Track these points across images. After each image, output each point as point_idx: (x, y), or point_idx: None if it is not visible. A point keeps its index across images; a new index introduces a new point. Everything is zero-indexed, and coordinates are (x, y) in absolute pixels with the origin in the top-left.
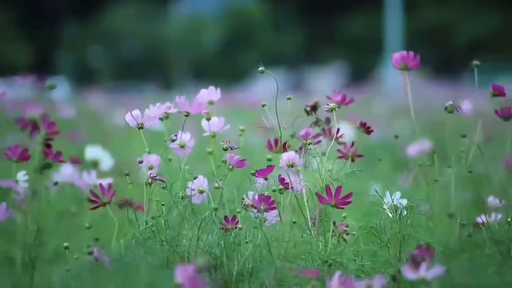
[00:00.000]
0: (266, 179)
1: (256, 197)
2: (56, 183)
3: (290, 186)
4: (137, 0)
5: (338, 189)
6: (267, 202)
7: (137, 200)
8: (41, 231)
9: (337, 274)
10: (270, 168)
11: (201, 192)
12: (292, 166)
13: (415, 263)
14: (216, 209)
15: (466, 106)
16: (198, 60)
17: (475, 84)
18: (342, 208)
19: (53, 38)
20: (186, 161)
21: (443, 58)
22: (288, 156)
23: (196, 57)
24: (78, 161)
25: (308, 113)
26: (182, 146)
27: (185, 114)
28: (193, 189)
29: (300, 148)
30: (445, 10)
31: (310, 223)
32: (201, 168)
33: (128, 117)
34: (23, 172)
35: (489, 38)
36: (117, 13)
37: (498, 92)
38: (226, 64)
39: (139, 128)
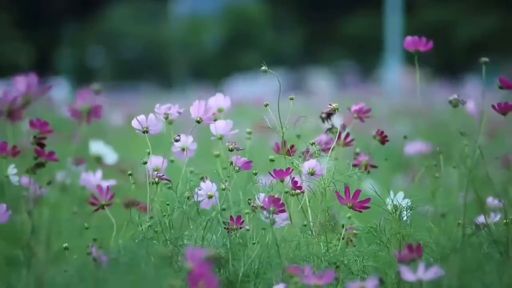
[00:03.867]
0: (282, 181)
1: (267, 198)
2: (49, 182)
3: (303, 191)
4: (137, 0)
5: (357, 192)
6: (277, 204)
7: (140, 200)
8: (43, 231)
9: (307, 267)
10: (288, 170)
11: (210, 197)
12: (313, 173)
13: (404, 263)
14: (224, 209)
15: (470, 105)
16: (198, 60)
17: (483, 81)
18: (360, 211)
19: (53, 38)
20: (188, 161)
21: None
22: (309, 163)
23: (196, 57)
24: (82, 161)
25: (323, 120)
26: (184, 150)
27: (197, 120)
28: (202, 194)
29: (306, 151)
30: (445, 10)
31: (312, 224)
32: (204, 168)
33: (134, 122)
34: (12, 165)
35: (489, 38)
36: (117, 13)
37: (505, 85)
38: (226, 64)
39: (143, 133)
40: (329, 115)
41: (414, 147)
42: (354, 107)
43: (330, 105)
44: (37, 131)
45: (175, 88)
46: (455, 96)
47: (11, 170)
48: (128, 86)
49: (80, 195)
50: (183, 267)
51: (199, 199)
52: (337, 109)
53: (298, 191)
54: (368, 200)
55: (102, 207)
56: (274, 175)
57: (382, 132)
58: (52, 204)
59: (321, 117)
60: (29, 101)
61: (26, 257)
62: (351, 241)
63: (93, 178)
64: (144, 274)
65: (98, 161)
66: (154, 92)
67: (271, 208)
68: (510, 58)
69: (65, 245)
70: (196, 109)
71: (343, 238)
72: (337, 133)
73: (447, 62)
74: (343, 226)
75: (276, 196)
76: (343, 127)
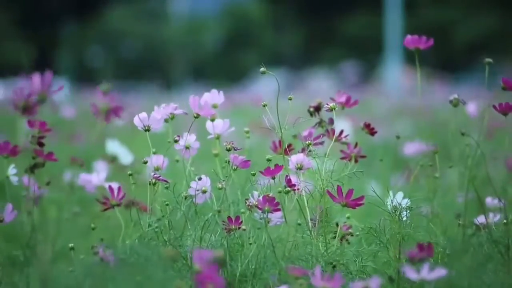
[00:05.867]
0: (274, 178)
1: (261, 198)
2: (48, 183)
3: (296, 188)
4: (137, 0)
5: (350, 191)
6: (272, 203)
7: (141, 201)
8: (44, 231)
9: (318, 268)
10: (278, 167)
11: (204, 192)
12: (301, 168)
13: (414, 263)
14: (219, 211)
15: (471, 105)
16: (198, 60)
17: (486, 82)
18: (354, 208)
19: (53, 38)
20: (189, 161)
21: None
22: (296, 157)
23: (196, 57)
24: (78, 161)
25: (311, 114)
26: (188, 148)
27: (194, 115)
28: (196, 189)
29: (303, 149)
30: (445, 10)
31: (310, 224)
32: (204, 168)
33: (135, 119)
34: (13, 165)
35: (489, 38)
36: (116, 13)
37: (508, 86)
38: (226, 64)
39: (145, 131)
40: (317, 109)
41: (413, 147)
42: (339, 98)
43: (328, 104)
44: (37, 130)
45: (175, 88)
46: (455, 95)
47: (11, 170)
48: (128, 86)
49: (79, 195)
50: (182, 268)
51: (193, 193)
52: (323, 103)
53: (291, 188)
54: (362, 197)
55: (113, 207)
56: (264, 173)
57: (369, 124)
58: (54, 204)
59: (309, 110)
60: (44, 98)
61: (27, 257)
62: (347, 240)
63: (95, 179)
64: (150, 275)
65: (113, 160)
66: (155, 92)
67: (266, 208)
68: (510, 58)
69: (71, 245)
70: (194, 104)
71: (339, 237)
72: (331, 129)
73: (446, 61)
74: (337, 224)
75: (271, 195)
76: (331, 121)
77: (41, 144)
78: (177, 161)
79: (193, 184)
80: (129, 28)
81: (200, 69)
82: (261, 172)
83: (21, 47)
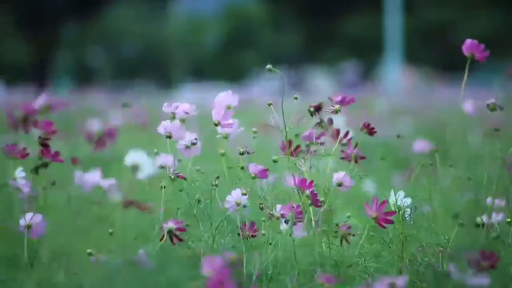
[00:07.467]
0: (303, 192)
1: (284, 208)
2: (54, 183)
3: (320, 204)
4: (137, 0)
5: (383, 202)
6: (296, 212)
7: (148, 201)
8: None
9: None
10: (311, 182)
11: (238, 204)
12: (340, 185)
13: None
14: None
15: (467, 105)
16: (198, 60)
17: None
18: (383, 227)
19: (53, 38)
20: (192, 160)
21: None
22: (337, 176)
23: (196, 57)
24: (76, 160)
25: (312, 114)
26: (189, 147)
27: (215, 123)
28: (230, 201)
29: (308, 150)
30: (445, 10)
31: (313, 224)
32: (208, 167)
33: (160, 128)
34: (21, 168)
35: (489, 38)
36: (117, 13)
37: None
38: (226, 64)
39: (167, 138)
40: (317, 109)
41: (416, 146)
42: (336, 97)
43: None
44: (42, 131)
45: (175, 87)
46: (493, 100)
47: (19, 173)
48: (128, 86)
49: (77, 195)
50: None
51: (227, 205)
52: (324, 103)
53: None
54: (393, 213)
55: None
56: (298, 184)
57: (369, 125)
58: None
59: (309, 110)
60: (47, 111)
61: (31, 258)
62: (347, 240)
63: (91, 178)
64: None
65: (134, 170)
66: (154, 92)
67: (290, 215)
68: (510, 58)
69: (89, 250)
70: (217, 112)
71: (340, 238)
72: (335, 130)
73: (446, 61)
74: (337, 224)
75: (295, 204)
76: (330, 121)
77: (46, 146)
78: (180, 160)
79: (229, 198)
80: (129, 28)
81: (200, 69)
82: (293, 181)
83: (22, 48)
